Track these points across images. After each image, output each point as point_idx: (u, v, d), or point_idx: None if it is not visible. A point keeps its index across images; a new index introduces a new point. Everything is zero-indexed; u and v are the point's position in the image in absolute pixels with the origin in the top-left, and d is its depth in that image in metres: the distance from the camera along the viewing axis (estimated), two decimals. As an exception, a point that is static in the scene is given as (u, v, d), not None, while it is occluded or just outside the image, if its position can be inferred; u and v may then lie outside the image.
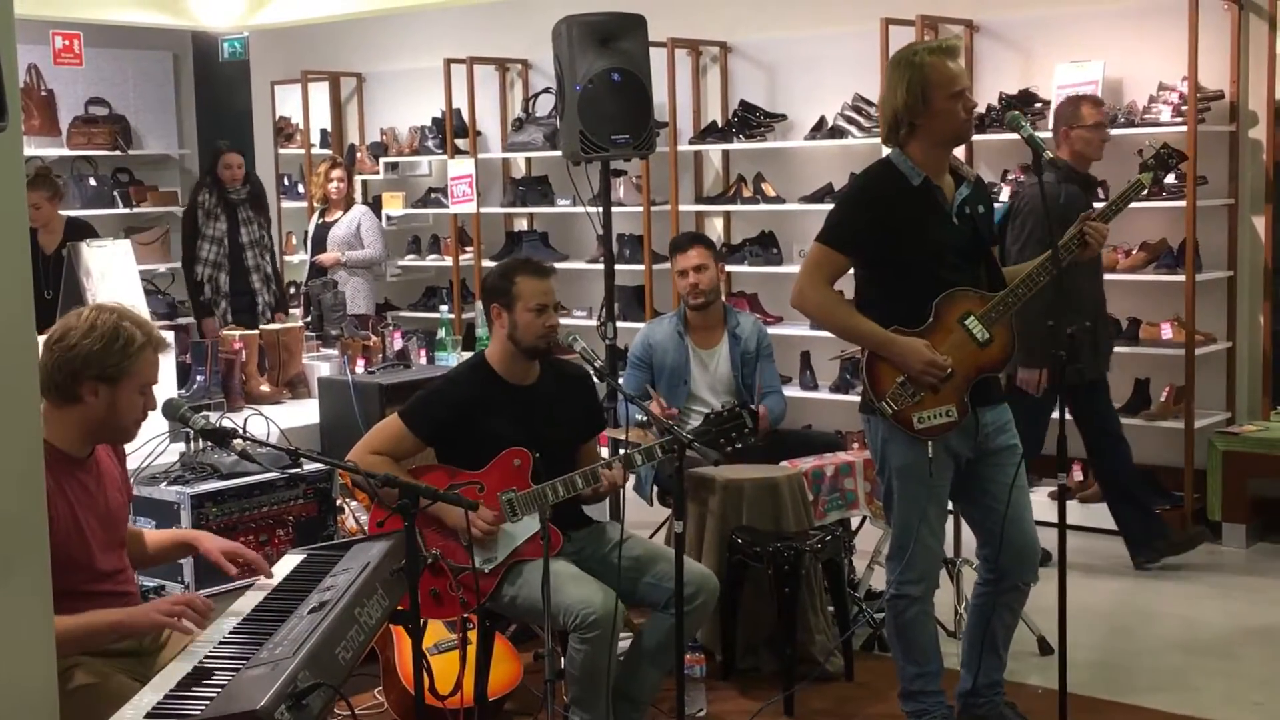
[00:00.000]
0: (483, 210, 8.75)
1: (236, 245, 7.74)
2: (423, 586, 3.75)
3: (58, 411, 3.04)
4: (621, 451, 4.99)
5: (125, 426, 3.13)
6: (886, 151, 3.95)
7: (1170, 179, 6.27)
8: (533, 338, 4.08)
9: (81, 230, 7.13)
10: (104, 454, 3.20)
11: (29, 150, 8.98)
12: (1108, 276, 6.49)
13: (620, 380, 5.27)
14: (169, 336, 5.18)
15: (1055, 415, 3.77)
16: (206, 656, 2.78)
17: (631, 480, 5.00)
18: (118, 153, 10.03)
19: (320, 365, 5.91)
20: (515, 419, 4.06)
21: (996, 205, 5.56)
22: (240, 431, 3.29)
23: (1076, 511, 6.29)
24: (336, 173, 8.42)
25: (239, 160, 7.94)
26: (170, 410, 3.25)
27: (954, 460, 3.92)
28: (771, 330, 6.26)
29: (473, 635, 4.17)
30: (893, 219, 3.82)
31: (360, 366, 5.62)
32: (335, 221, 8.30)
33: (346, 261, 8.14)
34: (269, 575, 3.19)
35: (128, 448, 3.46)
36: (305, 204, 9.56)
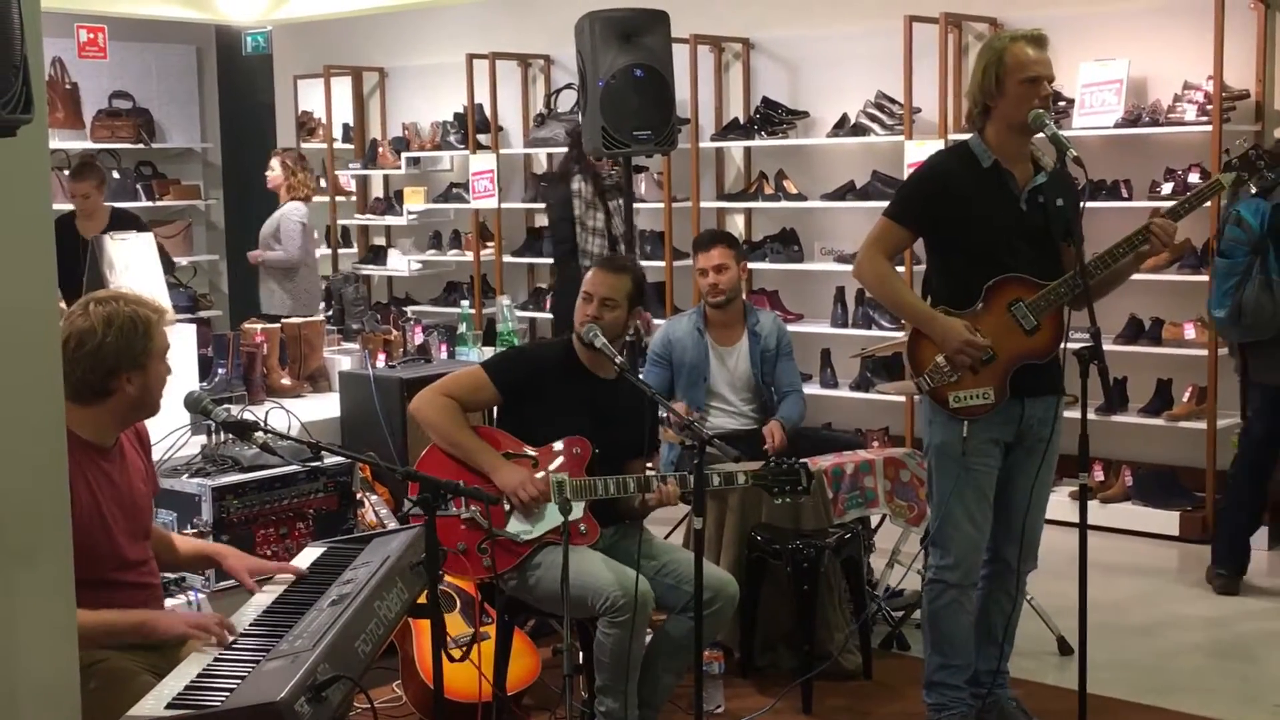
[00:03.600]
0: (504, 205, 8.75)
1: (611, 240, 6.68)
2: (451, 541, 3.76)
3: (87, 409, 3.05)
4: (669, 472, 4.95)
5: (156, 400, 3.16)
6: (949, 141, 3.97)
7: (1194, 178, 6.23)
8: (576, 324, 4.12)
9: (127, 221, 6.85)
10: (128, 444, 3.21)
11: (53, 143, 9.02)
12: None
13: (640, 376, 5.27)
14: (190, 330, 5.27)
15: (1077, 415, 3.74)
16: (227, 648, 2.80)
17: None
18: (141, 146, 10.09)
19: (341, 359, 5.92)
20: (584, 406, 4.07)
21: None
22: (261, 424, 3.31)
23: (1097, 511, 6.27)
24: (272, 162, 7.91)
25: None
26: (192, 403, 3.27)
27: (997, 448, 3.93)
28: (792, 328, 6.24)
29: (491, 630, 4.18)
30: (956, 195, 3.87)
31: (381, 360, 5.64)
32: None
33: (264, 261, 7.71)
34: None
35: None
36: (326, 199, 9.60)
